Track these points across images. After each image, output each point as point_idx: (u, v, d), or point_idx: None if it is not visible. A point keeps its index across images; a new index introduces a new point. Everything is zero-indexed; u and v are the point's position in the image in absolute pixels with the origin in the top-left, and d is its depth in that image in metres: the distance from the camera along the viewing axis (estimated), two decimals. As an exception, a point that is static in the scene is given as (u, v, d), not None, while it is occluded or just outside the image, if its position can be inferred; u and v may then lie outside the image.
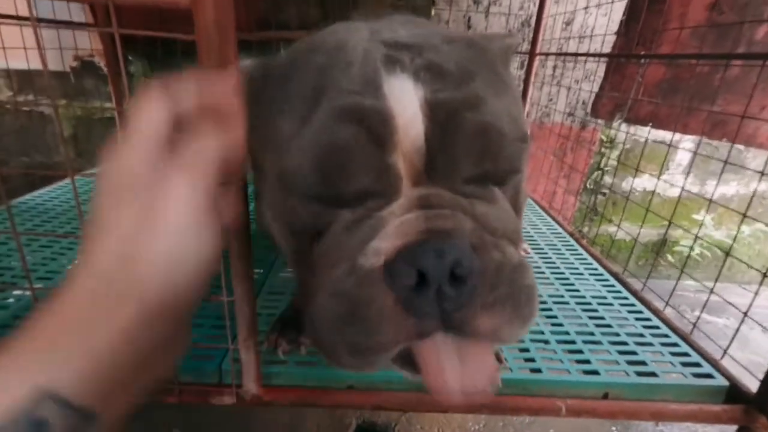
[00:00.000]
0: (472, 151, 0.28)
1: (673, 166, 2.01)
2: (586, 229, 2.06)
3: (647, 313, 0.82)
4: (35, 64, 1.26)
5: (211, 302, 0.55)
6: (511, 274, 0.28)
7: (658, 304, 0.85)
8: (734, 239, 0.95)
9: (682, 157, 2.04)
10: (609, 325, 0.77)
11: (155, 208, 0.23)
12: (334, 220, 0.30)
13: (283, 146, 0.30)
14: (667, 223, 0.99)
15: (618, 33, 1.44)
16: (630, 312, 0.82)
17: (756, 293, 0.72)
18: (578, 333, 0.75)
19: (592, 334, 0.75)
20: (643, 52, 1.26)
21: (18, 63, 1.22)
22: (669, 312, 0.84)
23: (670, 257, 2.21)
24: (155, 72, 1.75)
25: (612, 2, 1.31)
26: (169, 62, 1.64)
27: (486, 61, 0.32)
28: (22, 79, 1.60)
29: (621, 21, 1.41)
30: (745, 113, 0.78)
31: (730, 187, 2.09)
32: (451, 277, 0.25)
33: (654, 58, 1.27)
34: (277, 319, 0.69)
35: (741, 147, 1.98)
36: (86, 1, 1.12)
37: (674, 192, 2.04)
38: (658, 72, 1.49)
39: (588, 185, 2.02)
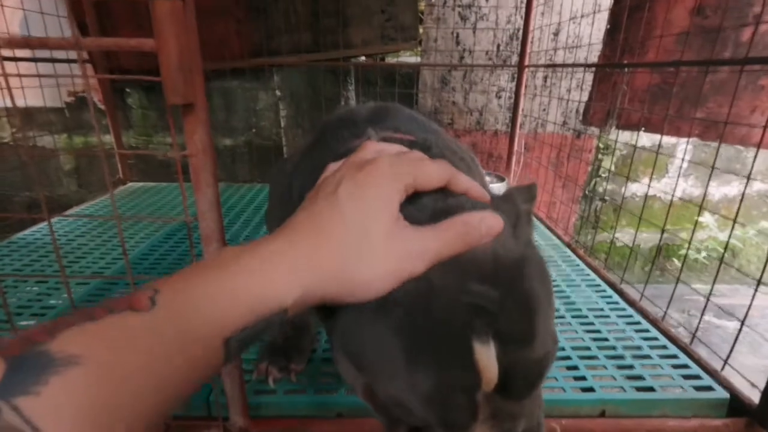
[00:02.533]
0: (524, 390, 0.34)
1: (673, 170, 2.00)
2: (588, 237, 2.04)
3: (645, 324, 0.80)
4: (32, 102, 1.29)
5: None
6: None
7: (665, 310, 0.83)
8: (725, 247, 0.94)
9: (680, 159, 2.02)
10: (606, 339, 0.76)
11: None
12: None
13: (382, 379, 0.34)
14: (668, 227, 0.98)
15: (603, 41, 1.45)
16: (628, 323, 0.81)
17: (753, 297, 0.70)
18: (574, 348, 0.73)
19: (588, 348, 0.73)
20: (626, 61, 1.27)
21: (20, 101, 1.26)
22: (678, 316, 0.82)
23: (676, 261, 2.18)
24: (152, 103, 1.79)
25: (594, 12, 1.32)
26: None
27: (540, 278, 0.36)
28: (23, 116, 1.64)
29: (605, 30, 1.42)
30: (728, 118, 0.78)
31: (732, 188, 2.06)
32: None
33: (637, 67, 1.28)
34: (265, 346, 0.68)
35: (740, 147, 1.97)
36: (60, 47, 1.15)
37: (676, 195, 2.02)
38: (646, 77, 1.49)
39: (587, 193, 2.01)
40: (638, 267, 2.21)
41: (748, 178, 0.74)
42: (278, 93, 1.81)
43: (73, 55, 1.47)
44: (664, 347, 0.74)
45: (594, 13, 1.32)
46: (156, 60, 0.38)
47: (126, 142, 1.78)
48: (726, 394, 0.63)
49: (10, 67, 1.19)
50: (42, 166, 1.83)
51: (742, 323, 0.69)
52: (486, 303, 0.33)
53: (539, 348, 0.35)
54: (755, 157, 0.78)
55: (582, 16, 1.39)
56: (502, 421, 0.34)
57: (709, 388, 0.64)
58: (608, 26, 1.41)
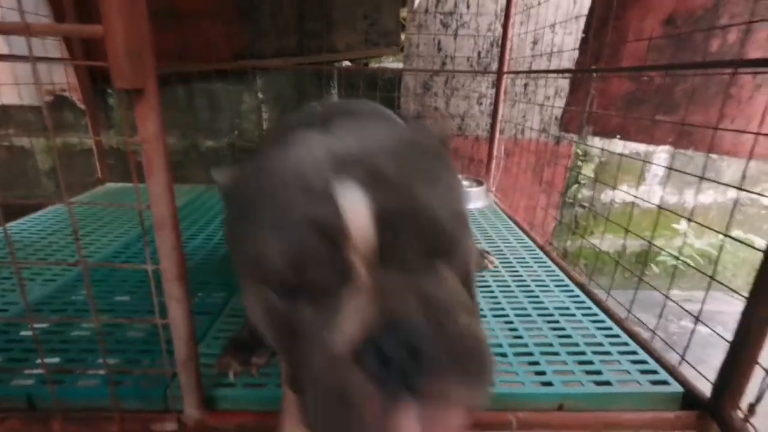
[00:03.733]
0: (412, 240, 0.33)
1: (650, 177, 2.04)
2: (568, 243, 2.07)
3: (609, 323, 0.82)
4: (9, 100, 1.28)
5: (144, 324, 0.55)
6: (465, 342, 0.31)
7: (643, 316, 0.84)
8: (712, 255, 0.96)
9: (658, 168, 2.06)
10: (569, 336, 0.77)
11: None
12: (303, 311, 0.34)
13: (257, 247, 0.35)
14: (646, 233, 1.00)
15: (579, 50, 1.48)
16: (592, 322, 0.82)
17: (703, 301, 0.71)
18: (537, 344, 0.74)
19: (550, 345, 0.74)
20: (594, 67, 1.30)
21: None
22: (654, 322, 0.83)
23: (654, 268, 2.21)
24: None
25: (566, 21, 1.36)
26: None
27: (424, 158, 0.38)
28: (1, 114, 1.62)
29: (580, 38, 1.45)
30: (684, 120, 0.80)
31: (708, 196, 2.11)
32: (411, 353, 0.29)
33: (605, 72, 1.31)
34: (229, 340, 0.68)
35: (713, 156, 2.01)
36: (12, 32, 1.16)
37: (652, 202, 2.06)
38: (622, 85, 1.53)
39: (567, 199, 2.04)
40: (619, 273, 2.24)
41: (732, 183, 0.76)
42: (261, 96, 1.82)
43: (51, 52, 1.46)
44: (626, 344, 0.75)
45: (567, 20, 1.35)
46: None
47: (106, 142, 1.77)
48: (680, 389, 0.64)
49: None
50: (20, 166, 1.81)
51: (697, 318, 0.70)
52: (351, 154, 0.34)
53: (427, 209, 0.33)
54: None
55: (557, 23, 1.42)
56: (389, 297, 0.31)
57: (665, 383, 0.65)
58: (583, 35, 1.45)
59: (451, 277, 0.36)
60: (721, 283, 0.71)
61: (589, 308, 0.87)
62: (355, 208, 0.31)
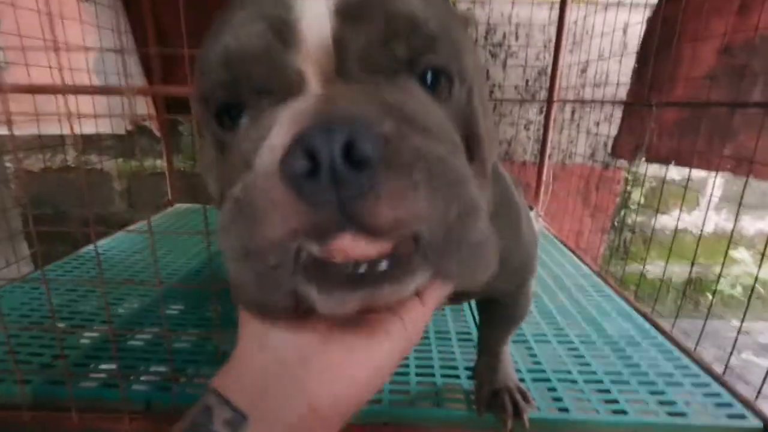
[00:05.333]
0: (378, 39, 0.25)
1: (704, 203, 1.99)
2: (618, 268, 2.04)
3: (677, 353, 0.82)
4: (101, 130, 1.44)
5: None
6: (433, 163, 0.23)
7: (704, 348, 0.85)
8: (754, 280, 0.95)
9: (711, 193, 2.02)
10: (637, 365, 0.78)
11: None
12: (241, 130, 0.27)
13: (200, 60, 0.29)
14: (699, 261, 1.00)
15: (632, 79, 1.50)
16: (659, 352, 0.83)
17: (739, 328, 0.72)
18: (606, 373, 0.76)
19: (620, 373, 0.76)
20: (654, 97, 1.31)
21: (87, 129, 1.41)
22: (714, 352, 0.83)
23: (709, 296, 2.13)
24: (200, 130, 1.93)
25: (622, 55, 1.39)
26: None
27: None
28: (87, 141, 1.81)
29: (633, 68, 1.47)
30: (755, 154, 0.81)
31: (767, 222, 2.03)
32: (351, 162, 0.21)
33: (664, 106, 1.32)
34: None
35: (773, 181, 1.95)
36: (113, 93, 1.30)
37: (706, 229, 2.00)
38: (675, 112, 1.53)
39: (615, 224, 2.02)
40: (670, 300, 2.17)
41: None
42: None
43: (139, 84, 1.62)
44: (696, 375, 0.76)
45: (621, 55, 1.38)
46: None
47: (175, 165, 1.93)
48: (759, 423, 0.64)
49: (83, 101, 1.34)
50: (98, 187, 1.99)
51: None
52: None
53: (394, 2, 0.25)
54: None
55: (610, 57, 1.46)
56: (337, 103, 0.23)
57: (742, 416, 0.66)
58: (636, 65, 1.47)
59: (429, 103, 0.27)
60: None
61: (655, 337, 0.88)
62: (312, 2, 0.25)
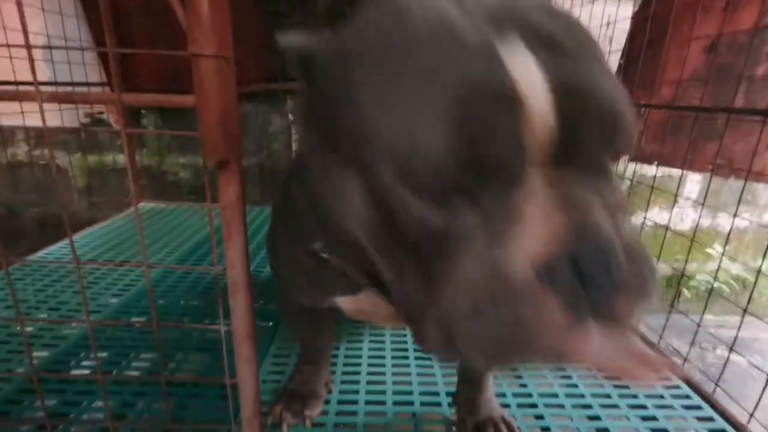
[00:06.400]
0: (600, 131, 0.26)
1: (682, 200, 1.99)
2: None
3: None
4: (51, 122, 1.31)
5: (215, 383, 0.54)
6: (640, 255, 0.27)
7: (675, 342, 0.82)
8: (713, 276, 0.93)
9: (691, 189, 2.02)
10: (626, 386, 0.74)
11: None
12: (457, 210, 0.26)
13: (390, 131, 0.26)
14: (680, 257, 0.98)
15: (618, 77, 1.47)
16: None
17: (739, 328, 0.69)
18: (594, 395, 0.72)
19: (608, 396, 0.72)
20: (641, 98, 1.28)
21: (35, 121, 1.28)
22: (688, 350, 0.80)
23: (686, 292, 2.15)
24: (167, 124, 1.81)
25: (609, 53, 1.34)
26: (181, 115, 1.70)
27: (581, 27, 0.30)
28: (39, 135, 1.66)
29: (619, 65, 1.43)
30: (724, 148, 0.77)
31: (743, 220, 2.05)
32: (601, 269, 0.24)
33: (652, 108, 1.29)
34: (281, 390, 0.67)
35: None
36: (102, 102, 1.19)
37: (685, 225, 2.01)
38: (660, 112, 1.50)
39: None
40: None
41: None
42: (291, 117, 1.83)
43: (92, 77, 1.49)
44: (688, 397, 0.73)
45: (608, 53, 1.33)
46: (174, 80, 0.38)
47: (139, 161, 1.80)
48: (754, 452, 0.61)
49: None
50: (55, 184, 1.85)
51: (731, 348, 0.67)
52: (507, 8, 0.26)
53: (608, 88, 0.26)
54: None
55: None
56: (572, 204, 0.25)
57: (733, 441, 0.63)
58: (621, 61, 1.43)
59: (615, 178, 0.30)
60: (744, 310, 0.68)
61: (643, 353, 0.84)
62: (528, 72, 0.24)
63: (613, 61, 1.47)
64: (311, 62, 0.32)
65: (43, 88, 0.37)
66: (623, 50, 1.42)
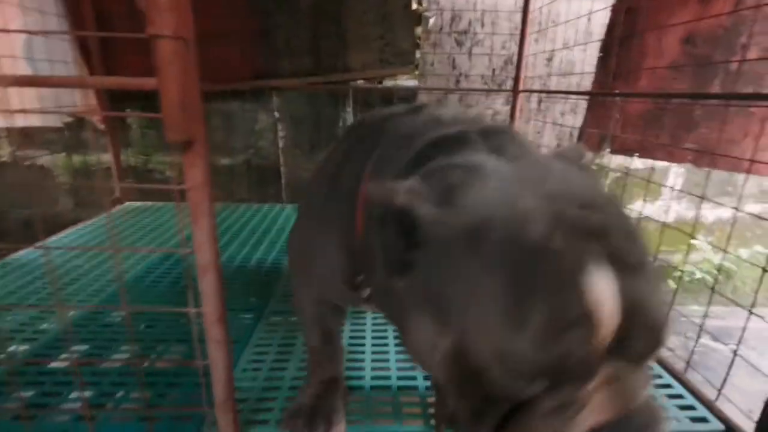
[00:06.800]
0: (648, 339, 0.31)
1: (666, 192, 2.02)
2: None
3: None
4: (33, 122, 1.30)
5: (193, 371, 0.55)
6: (653, 411, 0.33)
7: None
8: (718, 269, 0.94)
9: (673, 182, 2.05)
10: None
11: None
12: (530, 399, 0.31)
13: (477, 327, 0.31)
14: (664, 248, 0.99)
15: (596, 68, 1.48)
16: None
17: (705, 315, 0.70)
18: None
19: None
20: (618, 88, 1.29)
21: (20, 121, 1.28)
22: (673, 339, 0.82)
23: (670, 283, 2.18)
24: (152, 123, 1.81)
25: (586, 43, 1.36)
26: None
27: (641, 239, 0.34)
28: (23, 136, 1.65)
29: (598, 57, 1.45)
30: (703, 138, 0.79)
31: (726, 210, 2.08)
32: None
33: (628, 97, 1.31)
34: (295, 407, 0.62)
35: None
36: (64, 85, 1.18)
37: (668, 218, 2.04)
38: (640, 104, 1.52)
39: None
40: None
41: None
42: (277, 114, 1.83)
43: (73, 74, 1.49)
44: (659, 376, 0.74)
45: (585, 43, 1.35)
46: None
47: (125, 161, 1.79)
48: (721, 426, 0.62)
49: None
50: (41, 185, 1.84)
51: (735, 352, 0.69)
52: (592, 226, 0.30)
53: (656, 284, 0.31)
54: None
55: (574, 46, 1.43)
56: (620, 392, 0.31)
57: (704, 419, 0.64)
58: (601, 53, 1.45)
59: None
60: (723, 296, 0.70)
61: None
62: (608, 301, 0.29)
63: (593, 53, 1.49)
64: (414, 223, 0.35)
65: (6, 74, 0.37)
66: (602, 42, 1.44)
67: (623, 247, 0.30)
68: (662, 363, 0.77)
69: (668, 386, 0.71)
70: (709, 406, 0.66)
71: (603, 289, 0.28)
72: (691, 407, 0.67)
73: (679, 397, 0.69)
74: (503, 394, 0.31)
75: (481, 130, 0.42)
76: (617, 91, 1.20)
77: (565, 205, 0.31)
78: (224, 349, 0.51)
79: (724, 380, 0.69)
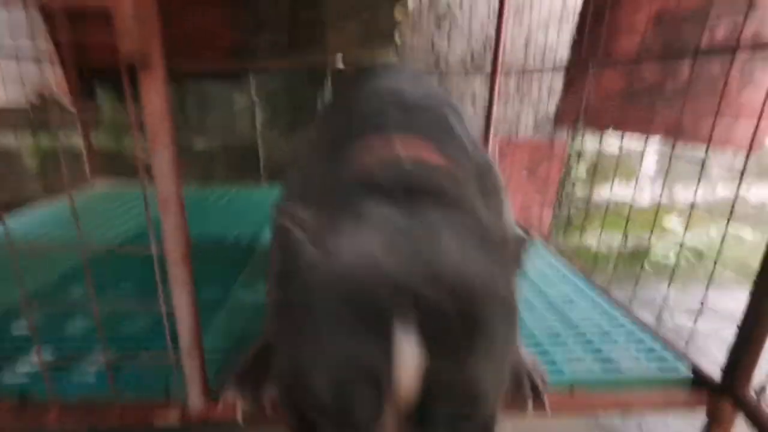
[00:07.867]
0: (448, 407, 0.31)
1: (641, 175, 2.07)
2: (563, 241, 2.08)
3: (614, 312, 0.81)
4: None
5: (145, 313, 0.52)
6: None
7: (641, 314, 0.84)
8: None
9: (649, 166, 2.09)
10: (576, 325, 0.76)
11: None
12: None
13: (303, 355, 0.33)
14: (637, 231, 1.01)
15: (571, 47, 1.50)
16: (597, 311, 0.82)
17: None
18: (545, 334, 0.73)
19: (558, 335, 0.74)
20: (592, 61, 1.31)
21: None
22: (651, 320, 0.82)
23: (646, 265, 2.23)
24: (124, 103, 1.75)
25: (560, 23, 1.37)
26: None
27: (495, 298, 0.34)
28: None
29: (572, 36, 1.47)
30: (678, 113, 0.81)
31: (699, 192, 2.14)
32: None
33: (601, 66, 1.32)
34: (232, 368, 0.58)
35: (701, 152, 2.05)
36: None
37: (644, 200, 2.08)
38: (614, 82, 1.55)
39: (560, 197, 2.05)
40: (611, 270, 2.25)
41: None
42: (254, 94, 1.80)
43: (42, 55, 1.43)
44: (632, 333, 0.75)
45: (560, 21, 1.37)
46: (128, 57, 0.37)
47: (96, 142, 1.73)
48: (689, 373, 0.63)
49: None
50: (8, 167, 1.76)
51: (695, 320, 0.70)
52: (417, 290, 0.30)
53: (476, 371, 0.31)
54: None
55: (549, 24, 1.44)
56: None
57: (674, 369, 0.65)
58: (575, 35, 1.47)
59: None
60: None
61: (593, 298, 0.87)
62: (408, 364, 0.29)
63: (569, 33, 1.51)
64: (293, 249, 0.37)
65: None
66: (577, 22, 1.46)
67: (443, 317, 0.30)
68: (635, 320, 0.78)
69: (641, 341, 0.72)
70: (678, 355, 0.67)
71: (399, 355, 0.29)
72: (662, 358, 0.67)
73: (651, 350, 0.70)
74: (309, 417, 0.33)
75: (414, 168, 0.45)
76: (591, 60, 1.21)
77: (403, 267, 0.32)
78: (189, 292, 0.49)
79: (690, 334, 0.70)
